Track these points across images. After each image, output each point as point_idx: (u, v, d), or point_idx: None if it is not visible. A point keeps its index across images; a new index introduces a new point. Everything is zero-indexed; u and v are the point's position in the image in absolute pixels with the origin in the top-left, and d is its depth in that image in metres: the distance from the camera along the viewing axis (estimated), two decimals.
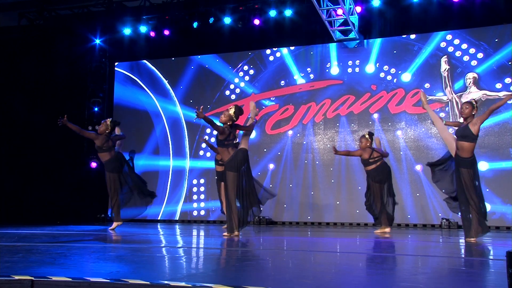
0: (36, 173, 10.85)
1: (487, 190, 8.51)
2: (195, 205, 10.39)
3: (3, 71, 11.05)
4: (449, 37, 9.21)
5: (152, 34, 10.72)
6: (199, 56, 10.82)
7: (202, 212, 10.33)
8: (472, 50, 9.02)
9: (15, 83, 11.19)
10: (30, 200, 10.68)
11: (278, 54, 10.28)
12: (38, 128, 10.77)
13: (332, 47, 9.89)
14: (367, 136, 7.17)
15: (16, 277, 2.39)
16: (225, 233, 5.88)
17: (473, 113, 5.68)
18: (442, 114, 9.15)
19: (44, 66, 11.08)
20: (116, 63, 11.40)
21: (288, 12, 9.70)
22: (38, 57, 11.11)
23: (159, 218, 10.53)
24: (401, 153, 9.31)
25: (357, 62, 9.73)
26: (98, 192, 10.12)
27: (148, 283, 2.31)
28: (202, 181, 10.42)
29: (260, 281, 2.59)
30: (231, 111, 6.01)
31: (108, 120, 7.44)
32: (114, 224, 7.18)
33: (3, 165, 10.73)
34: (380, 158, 7.18)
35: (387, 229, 7.08)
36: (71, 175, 10.68)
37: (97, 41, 11.10)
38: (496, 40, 8.89)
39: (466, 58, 9.05)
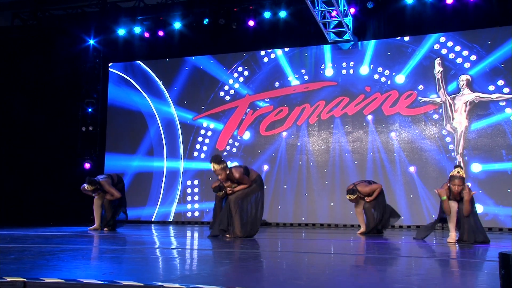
0: (35, 173, 10.79)
1: (480, 191, 8.56)
2: (189, 206, 10.38)
3: None
4: (442, 39, 9.26)
5: (147, 35, 10.70)
6: (193, 57, 10.82)
7: (196, 213, 10.31)
8: (465, 53, 9.08)
9: (11, 84, 11.13)
10: (30, 200, 10.63)
11: (272, 56, 10.29)
12: (37, 128, 10.73)
13: (327, 48, 9.92)
14: (352, 197, 7.10)
15: (9, 279, 2.37)
16: (227, 235, 5.78)
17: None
18: (435, 116, 9.20)
19: (39, 67, 11.03)
20: (110, 64, 11.37)
21: (282, 14, 9.72)
22: (31, 57, 11.05)
23: (153, 219, 10.50)
24: (395, 154, 9.34)
25: (351, 63, 9.76)
26: None
27: (142, 284, 2.30)
28: (196, 182, 10.41)
29: (254, 283, 2.58)
30: (220, 167, 5.61)
31: (86, 186, 7.12)
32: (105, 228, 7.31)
33: (2, 165, 10.66)
34: (371, 192, 7.15)
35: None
36: (70, 176, 10.63)
37: (91, 42, 11.07)
38: (489, 42, 8.95)
39: (459, 60, 9.11)
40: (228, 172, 5.68)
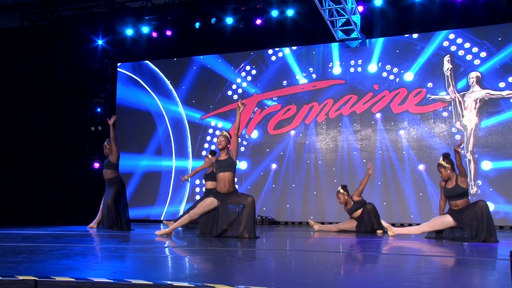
0: (45, 173, 10.87)
1: (491, 189, 8.50)
2: None
3: (5, 71, 11.08)
4: (451, 36, 9.19)
5: (154, 34, 10.74)
6: (201, 57, 10.84)
7: None
8: (475, 49, 9.00)
9: (16, 84, 11.21)
10: (31, 200, 10.70)
11: (280, 54, 10.28)
12: (40, 128, 10.80)
13: (334, 46, 9.89)
14: (341, 190, 7.28)
15: (20, 277, 2.39)
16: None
17: (449, 172, 5.63)
18: (445, 114, 9.14)
19: (47, 67, 11.11)
20: (118, 64, 11.43)
21: (290, 12, 9.70)
22: (41, 58, 11.14)
23: (162, 219, 10.54)
24: (404, 152, 9.30)
25: (360, 61, 9.73)
26: (101, 192, 10.13)
27: (151, 283, 2.31)
28: (204, 181, 10.40)
29: (262, 281, 2.58)
30: (227, 133, 6.07)
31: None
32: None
33: (12, 165, 10.74)
34: (362, 204, 7.20)
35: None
36: (74, 176, 10.70)
37: (100, 42, 11.12)
38: (499, 39, 8.87)
39: (469, 57, 9.04)
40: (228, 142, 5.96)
